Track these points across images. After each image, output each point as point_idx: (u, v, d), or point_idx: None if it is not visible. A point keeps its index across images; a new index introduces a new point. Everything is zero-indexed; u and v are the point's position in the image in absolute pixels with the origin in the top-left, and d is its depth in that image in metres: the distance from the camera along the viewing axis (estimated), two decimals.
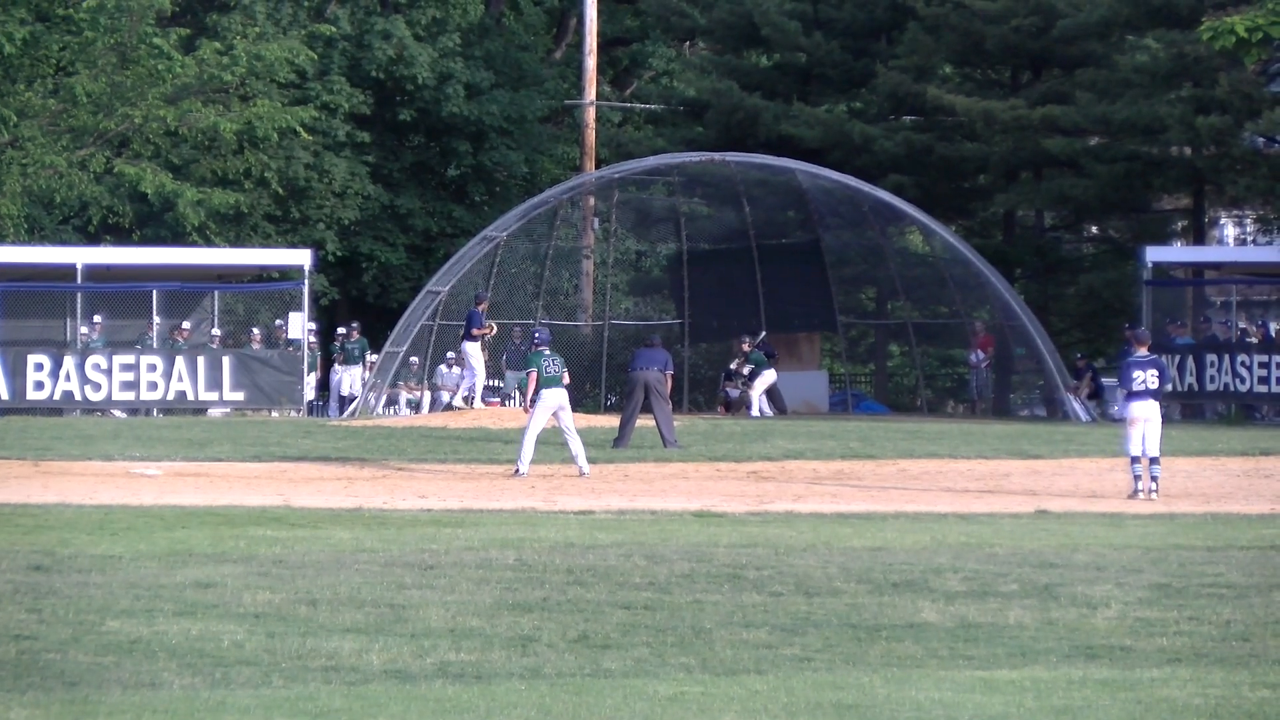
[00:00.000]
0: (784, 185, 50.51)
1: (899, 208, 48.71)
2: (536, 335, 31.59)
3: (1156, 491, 21.64)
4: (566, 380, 29.66)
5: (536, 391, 27.87)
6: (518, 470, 26.51)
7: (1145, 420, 23.09)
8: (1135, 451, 22.85)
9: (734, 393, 43.05)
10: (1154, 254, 48.29)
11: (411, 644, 11.34)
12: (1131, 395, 23.46)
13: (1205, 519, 20.92)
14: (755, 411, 40.38)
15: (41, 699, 8.57)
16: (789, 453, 30.55)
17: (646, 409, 31.64)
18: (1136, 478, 22.41)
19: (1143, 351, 24.56)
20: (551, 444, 27.76)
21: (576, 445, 27.34)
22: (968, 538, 18.52)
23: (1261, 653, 10.88)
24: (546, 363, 28.24)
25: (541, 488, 25.60)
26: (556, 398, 27.82)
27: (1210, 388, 45.56)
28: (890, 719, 9.14)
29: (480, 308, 41.16)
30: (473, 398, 37.96)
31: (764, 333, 44.33)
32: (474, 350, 38.48)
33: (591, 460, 28.28)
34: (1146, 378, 23.57)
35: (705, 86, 61.96)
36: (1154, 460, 22.56)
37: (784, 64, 62.92)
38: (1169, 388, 29.88)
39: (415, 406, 47.51)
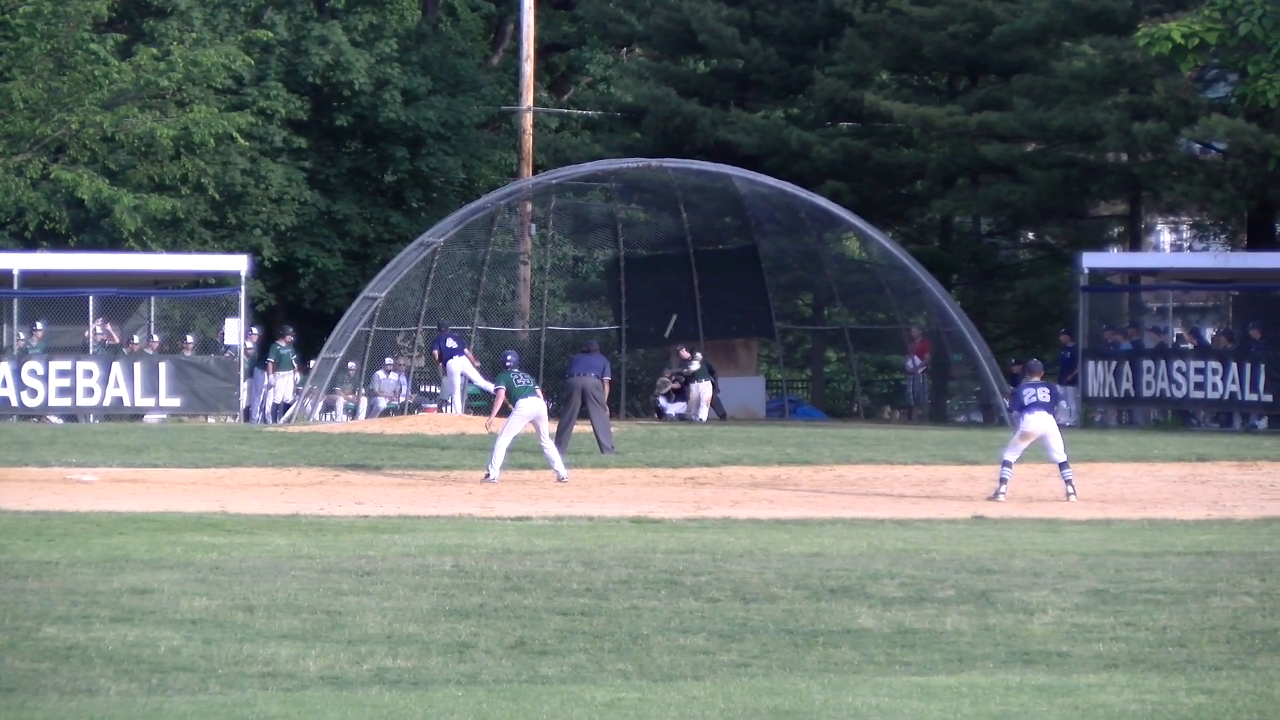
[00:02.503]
0: (721, 191, 50.80)
1: (836, 214, 48.91)
2: (508, 358, 31.65)
3: (1074, 494, 22.25)
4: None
5: (505, 406, 28.20)
6: (488, 475, 26.70)
7: (1043, 434, 23.67)
8: (1011, 458, 23.47)
9: (667, 405, 43.76)
10: (1090, 260, 48.66)
11: (348, 650, 11.33)
12: (1026, 409, 23.89)
13: (1142, 525, 21.05)
14: (703, 416, 41.27)
15: None
16: (726, 459, 30.61)
17: (584, 415, 31.74)
18: (1003, 480, 23.03)
19: (1035, 379, 25.22)
20: (484, 448, 27.59)
21: (552, 452, 27.51)
22: (905, 544, 18.61)
23: (1198, 658, 10.95)
24: (516, 377, 28.60)
25: (479, 494, 25.60)
26: (533, 407, 28.04)
27: (1146, 394, 45.80)
28: None
29: (447, 333, 41.75)
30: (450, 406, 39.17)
31: (698, 354, 44.61)
32: (459, 366, 39.16)
33: (529, 466, 28.33)
34: (1038, 393, 24.11)
35: (643, 93, 62.18)
36: (1063, 465, 23.07)
37: (721, 70, 63.14)
38: (1062, 404, 30.23)
39: (352, 412, 47.45)
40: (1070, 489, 23.17)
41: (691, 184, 50.30)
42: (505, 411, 28.41)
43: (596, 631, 12.22)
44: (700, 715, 9.25)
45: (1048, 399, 24.30)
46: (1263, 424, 42.87)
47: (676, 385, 45.61)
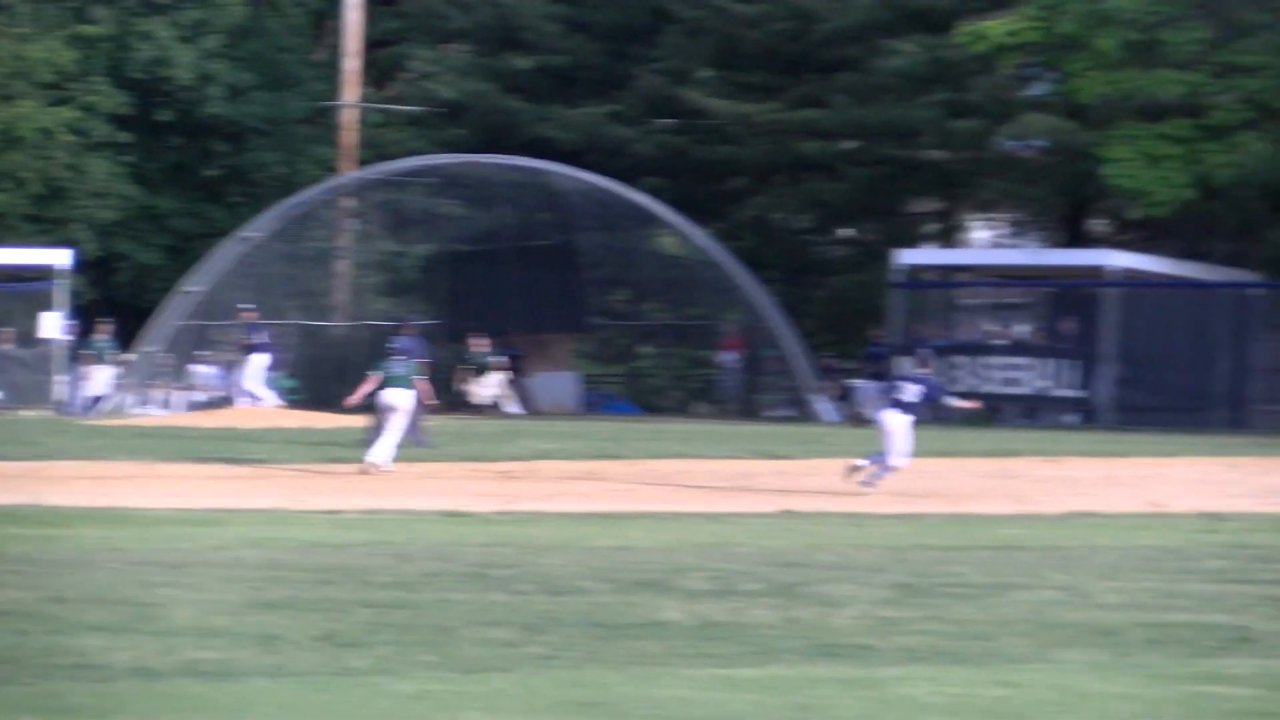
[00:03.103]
0: (540, 187, 51.25)
1: (654, 210, 50.04)
2: (396, 343, 32.06)
3: (873, 488, 22.57)
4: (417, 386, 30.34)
5: (374, 392, 28.41)
6: (379, 467, 26.75)
7: (894, 432, 23.92)
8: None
9: (470, 394, 44.09)
10: (905, 257, 49.43)
11: (157, 642, 11.12)
12: (892, 405, 24.17)
13: (949, 519, 21.50)
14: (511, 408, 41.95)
15: None
16: (539, 453, 30.96)
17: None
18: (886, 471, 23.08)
19: (922, 371, 26.12)
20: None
21: (386, 442, 27.39)
22: (712, 537, 18.83)
23: (999, 651, 11.12)
24: (392, 366, 28.81)
25: (292, 487, 25.54)
26: (394, 397, 28.15)
27: (957, 389, 45.85)
28: (631, 717, 9.19)
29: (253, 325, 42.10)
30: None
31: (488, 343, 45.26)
32: (261, 361, 39.71)
33: (342, 460, 28.52)
34: (906, 389, 24.49)
35: (465, 88, 62.19)
36: (884, 458, 23.30)
37: (544, 66, 63.20)
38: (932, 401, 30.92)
39: (168, 406, 47.30)
40: (870, 481, 23.40)
41: (510, 180, 50.90)
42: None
43: (404, 624, 12.19)
44: (506, 707, 9.28)
45: (910, 399, 24.41)
46: (1072, 420, 43.79)
47: (474, 375, 46.22)
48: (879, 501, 23.35)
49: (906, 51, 55.78)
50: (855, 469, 23.76)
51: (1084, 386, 43.77)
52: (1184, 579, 15.24)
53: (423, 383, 32.07)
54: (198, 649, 10.87)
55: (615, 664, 10.89)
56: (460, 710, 9.19)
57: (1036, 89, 56.97)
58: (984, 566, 16.11)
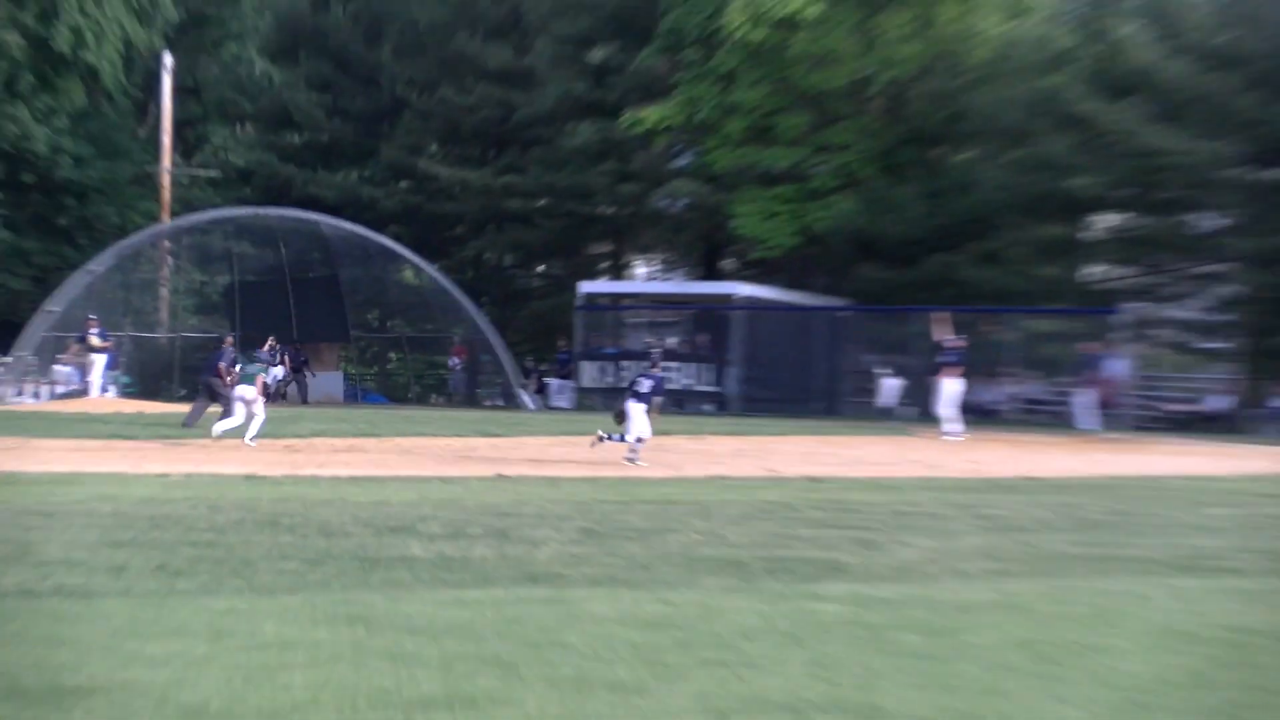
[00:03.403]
0: (311, 233, 50.17)
1: (398, 251, 49.11)
2: (259, 353, 33.21)
3: (636, 463, 22.39)
4: (270, 378, 30.95)
5: (233, 385, 27.73)
6: (241, 440, 25.95)
7: (633, 417, 23.43)
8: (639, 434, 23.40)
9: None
10: (585, 286, 49.28)
11: (35, 571, 11.10)
12: (631, 396, 23.94)
13: (621, 481, 20.37)
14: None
15: None
16: (315, 431, 30.14)
17: (212, 398, 31.29)
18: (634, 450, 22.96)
19: (654, 371, 25.28)
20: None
21: (231, 422, 26.77)
22: (446, 495, 17.65)
23: (658, 578, 11.14)
24: (250, 363, 28.26)
25: (132, 456, 23.89)
26: (243, 390, 27.21)
27: (622, 387, 43.80)
28: (388, 626, 9.25)
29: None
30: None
31: (272, 345, 43.53)
32: (100, 359, 38.69)
33: (165, 438, 27.46)
34: (642, 384, 24.11)
35: (252, 158, 62.15)
36: (639, 439, 23.13)
37: (312, 141, 62.80)
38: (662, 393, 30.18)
39: (37, 396, 45.52)
40: (631, 458, 22.73)
41: (289, 228, 49.81)
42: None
43: (218, 558, 11.92)
44: (294, 619, 9.33)
45: (644, 390, 24.03)
46: (709, 408, 43.34)
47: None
48: (570, 467, 22.74)
49: (584, 132, 55.86)
50: (600, 440, 23.46)
51: (718, 383, 43.56)
52: (793, 525, 15.21)
53: (260, 379, 30.73)
54: (66, 576, 10.88)
55: (375, 588, 10.78)
56: (261, 620, 9.25)
57: (682, 161, 56.24)
58: (647, 516, 15.91)
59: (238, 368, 30.54)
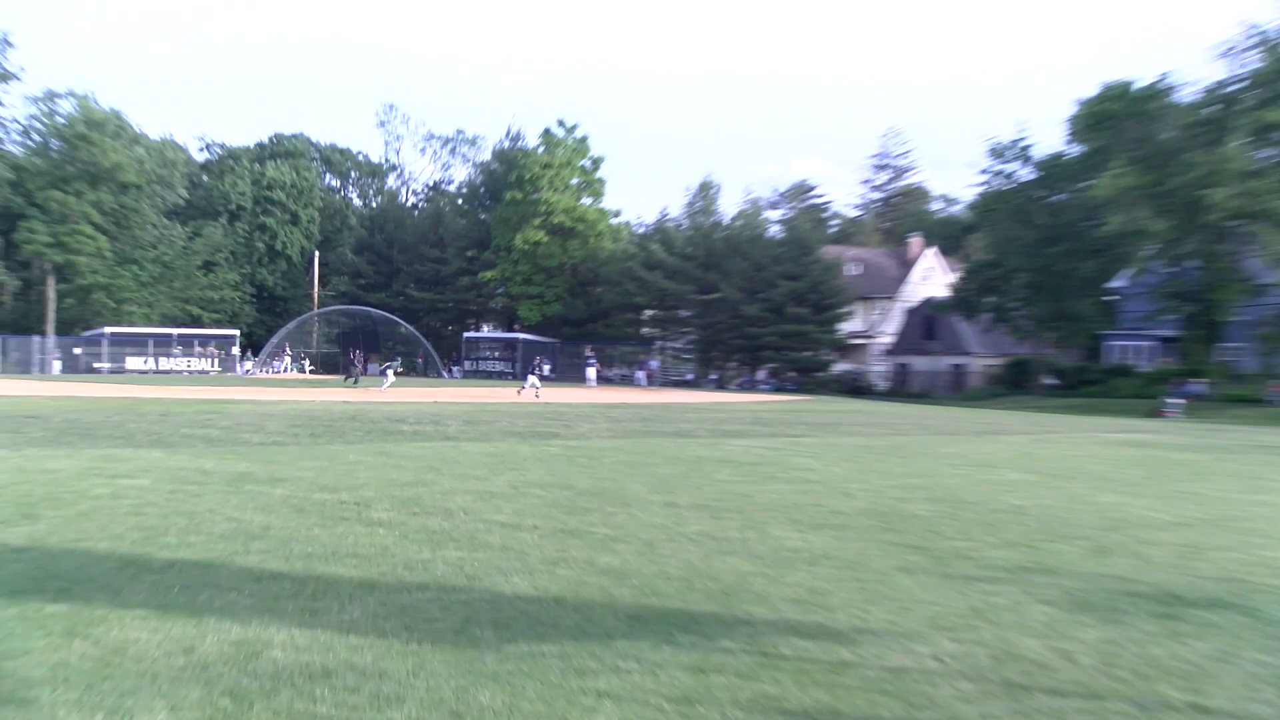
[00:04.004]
0: (366, 315, 73.05)
1: (398, 320, 71.67)
2: (390, 361, 38.88)
3: None
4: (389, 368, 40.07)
5: (361, 368, 30.76)
6: (378, 389, 28.51)
7: (534, 381, 27.14)
8: None
9: None
10: (466, 335, 74.04)
11: (260, 434, 16.45)
12: (532, 372, 26.42)
13: (491, 404, 30.72)
14: None
15: None
16: (367, 387, 36.61)
17: (348, 372, 46.47)
18: None
19: (541, 366, 28.08)
20: None
21: (355, 382, 29.70)
22: (420, 409, 26.72)
23: (495, 438, 18.09)
24: (392, 363, 32.93)
25: (297, 391, 32.77)
26: (387, 369, 31.79)
27: (487, 371, 74.94)
28: (394, 455, 14.76)
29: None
30: None
31: None
32: None
33: (313, 388, 34.51)
34: (535, 369, 27.14)
35: (346, 286, 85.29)
36: (536, 392, 23.93)
37: (367, 282, 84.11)
38: None
39: (268, 371, 69.17)
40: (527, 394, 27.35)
41: (361, 311, 70.53)
42: None
43: (332, 431, 17.70)
44: (360, 454, 13.97)
45: (537, 372, 25.68)
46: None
47: None
48: (472, 398, 33.80)
49: (465, 281, 79.47)
50: (520, 391, 23.63)
51: (532, 372, 50.08)
52: (542, 421, 22.47)
53: (391, 368, 41.24)
54: (275, 437, 15.66)
55: (389, 441, 16.82)
56: (347, 455, 13.73)
57: (499, 290, 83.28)
58: (482, 415, 25.33)
59: (359, 362, 42.67)
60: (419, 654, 6.69)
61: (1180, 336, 64.49)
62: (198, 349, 73.41)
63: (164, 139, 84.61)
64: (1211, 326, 62.47)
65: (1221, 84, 58.81)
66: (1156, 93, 64.67)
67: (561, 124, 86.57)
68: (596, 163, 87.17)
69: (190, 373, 70.03)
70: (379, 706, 5.84)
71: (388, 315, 77.75)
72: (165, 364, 71.96)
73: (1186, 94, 62.55)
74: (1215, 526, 13.09)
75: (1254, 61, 56.81)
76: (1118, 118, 63.64)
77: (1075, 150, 68.79)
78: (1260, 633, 7.81)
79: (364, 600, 7.88)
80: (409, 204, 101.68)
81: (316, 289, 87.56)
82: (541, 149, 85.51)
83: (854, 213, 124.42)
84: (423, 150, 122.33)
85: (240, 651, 6.63)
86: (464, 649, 6.81)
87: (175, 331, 74.21)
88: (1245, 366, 61.75)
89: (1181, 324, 63.28)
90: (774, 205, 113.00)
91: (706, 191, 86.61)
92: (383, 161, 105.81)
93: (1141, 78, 70.67)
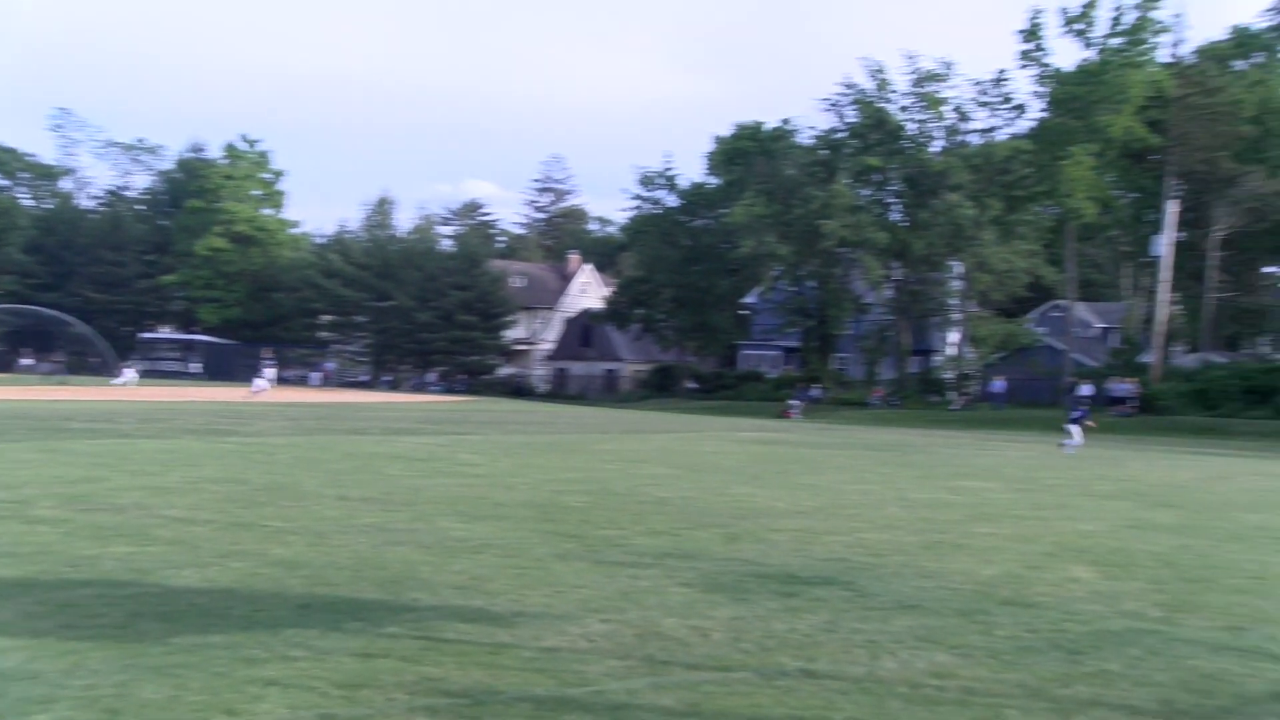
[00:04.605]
0: None
1: None
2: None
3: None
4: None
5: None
6: None
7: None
8: None
9: None
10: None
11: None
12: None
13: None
14: None
15: None
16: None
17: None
18: None
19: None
20: None
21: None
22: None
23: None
24: None
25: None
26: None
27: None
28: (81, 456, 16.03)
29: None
30: None
31: None
32: None
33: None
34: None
35: None
36: None
37: None
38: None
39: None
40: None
41: None
42: None
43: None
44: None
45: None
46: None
47: None
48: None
49: None
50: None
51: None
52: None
53: None
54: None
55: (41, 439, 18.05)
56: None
57: None
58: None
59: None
60: (77, 652, 6.19)
61: (801, 347, 68.39)
62: None
63: None
64: (826, 339, 66.90)
65: (831, 130, 63.72)
66: (782, 134, 71.14)
67: (245, 138, 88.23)
68: (277, 176, 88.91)
69: None
70: (25, 711, 5.32)
71: (58, 315, 72.21)
72: None
73: (806, 136, 67.77)
74: (826, 514, 13.50)
75: (852, 115, 61.83)
76: (750, 154, 68.57)
77: (715, 181, 72.80)
78: (858, 604, 8.20)
79: (18, 600, 7.27)
80: (87, 207, 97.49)
81: None
82: (226, 161, 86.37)
83: (519, 231, 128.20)
84: (101, 155, 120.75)
85: None
86: (127, 644, 6.34)
87: None
88: (853, 374, 66.33)
89: (802, 336, 67.32)
90: (446, 221, 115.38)
91: (383, 206, 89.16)
92: (56, 164, 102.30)
93: (770, 120, 76.04)
